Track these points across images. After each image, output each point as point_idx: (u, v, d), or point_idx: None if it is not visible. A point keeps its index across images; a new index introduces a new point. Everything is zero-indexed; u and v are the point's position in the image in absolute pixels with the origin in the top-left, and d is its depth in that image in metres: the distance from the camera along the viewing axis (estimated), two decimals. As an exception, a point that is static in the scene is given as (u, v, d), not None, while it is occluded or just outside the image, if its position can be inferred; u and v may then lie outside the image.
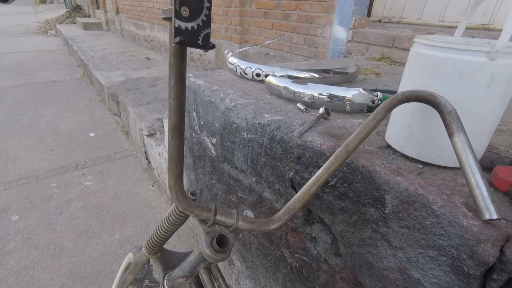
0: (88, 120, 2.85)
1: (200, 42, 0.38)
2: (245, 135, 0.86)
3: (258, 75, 1.10)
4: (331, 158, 0.55)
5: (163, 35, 4.59)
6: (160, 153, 1.87)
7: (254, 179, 0.92)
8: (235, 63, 1.18)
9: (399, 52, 1.58)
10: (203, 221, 0.50)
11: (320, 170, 0.55)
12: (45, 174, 2.02)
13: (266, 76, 1.08)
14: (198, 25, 0.36)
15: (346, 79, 1.14)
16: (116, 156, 2.28)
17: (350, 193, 0.61)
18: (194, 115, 1.15)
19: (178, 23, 0.35)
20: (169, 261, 0.66)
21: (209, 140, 1.09)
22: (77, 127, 2.70)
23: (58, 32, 7.52)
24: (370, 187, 0.56)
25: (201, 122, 1.11)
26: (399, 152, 0.60)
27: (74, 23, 8.57)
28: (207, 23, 0.37)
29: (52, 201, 1.77)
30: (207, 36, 0.38)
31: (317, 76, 1.07)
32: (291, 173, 0.74)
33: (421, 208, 0.48)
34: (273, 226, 0.55)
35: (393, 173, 0.54)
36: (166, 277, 0.62)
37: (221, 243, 0.50)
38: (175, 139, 0.44)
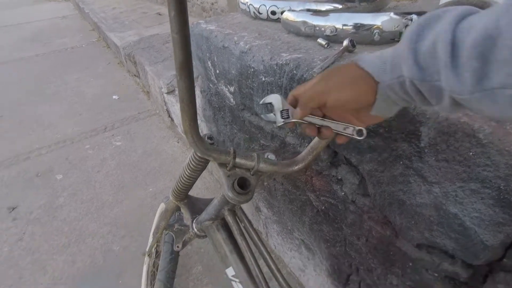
0: (109, 83, 2.88)
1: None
2: (263, 79, 0.81)
3: (273, 13, 1.00)
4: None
5: (173, -14, 4.31)
6: (181, 109, 1.87)
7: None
8: (247, 2, 1.08)
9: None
10: (223, 165, 0.49)
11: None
12: (79, 137, 2.13)
13: (282, 13, 0.98)
14: None
15: (374, 7, 1.01)
16: (140, 116, 2.33)
17: (379, 130, 0.56)
18: (209, 64, 1.11)
19: None
20: (196, 206, 0.68)
21: (227, 89, 1.05)
22: (100, 91, 2.75)
23: (67, -5, 7.37)
24: (403, 120, 0.51)
25: (217, 71, 1.07)
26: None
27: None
28: None
29: (89, 161, 1.88)
30: None
31: (340, 6, 0.95)
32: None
33: (464, 138, 0.43)
34: (296, 167, 0.53)
35: (428, 103, 0.48)
36: (194, 221, 0.64)
37: (243, 185, 0.49)
38: (184, 78, 0.40)
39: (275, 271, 0.51)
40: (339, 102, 0.37)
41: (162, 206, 1.10)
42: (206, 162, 0.53)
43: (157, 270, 0.99)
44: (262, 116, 0.45)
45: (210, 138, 0.50)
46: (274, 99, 0.44)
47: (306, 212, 0.94)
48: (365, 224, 0.70)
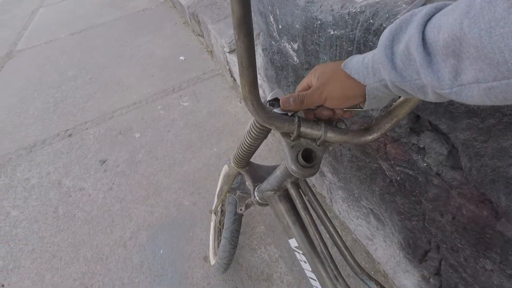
0: (176, 44, 2.97)
1: None
2: (332, 32, 0.70)
3: None
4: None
5: None
6: (243, 68, 1.84)
7: (344, 86, 0.79)
8: None
9: None
10: (286, 134, 0.45)
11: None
12: (152, 98, 2.29)
13: None
14: None
15: None
16: (204, 77, 2.38)
17: (484, 91, 0.44)
18: (271, 19, 1.02)
19: None
20: (258, 174, 0.66)
21: (290, 46, 0.97)
22: (168, 52, 2.86)
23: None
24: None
25: (280, 26, 0.97)
26: None
27: None
28: None
29: (161, 121, 2.03)
30: None
31: None
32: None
33: None
34: (370, 137, 0.46)
35: None
36: (256, 189, 0.63)
37: (308, 157, 0.45)
38: (243, 38, 0.35)
39: (343, 248, 0.47)
40: (335, 104, 0.42)
41: (225, 168, 1.14)
42: (268, 130, 0.49)
43: (222, 228, 1.06)
44: (273, 111, 0.44)
45: (272, 104, 0.45)
46: (278, 94, 0.45)
47: (377, 181, 0.86)
48: (453, 200, 0.60)
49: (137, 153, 1.82)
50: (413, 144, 0.64)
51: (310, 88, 0.43)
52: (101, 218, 1.50)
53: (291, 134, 0.44)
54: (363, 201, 1.00)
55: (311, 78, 0.43)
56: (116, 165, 1.77)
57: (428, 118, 0.56)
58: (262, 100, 0.42)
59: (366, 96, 0.39)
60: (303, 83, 0.45)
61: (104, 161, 1.81)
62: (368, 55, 0.36)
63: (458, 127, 0.50)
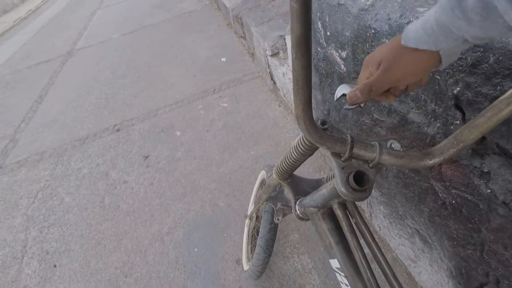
0: (219, 46, 3.03)
1: None
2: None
3: (408, -50, 0.79)
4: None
5: None
6: (284, 73, 1.82)
7: (396, 98, 0.74)
8: None
9: None
10: (336, 154, 0.43)
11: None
12: (193, 98, 2.37)
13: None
14: None
15: None
16: (244, 79, 2.40)
17: None
18: (319, 25, 0.99)
19: None
20: (300, 187, 0.65)
21: (337, 54, 0.93)
22: (211, 53, 2.93)
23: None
24: None
25: (328, 33, 0.94)
26: None
27: None
28: None
29: (200, 121, 2.09)
30: None
31: None
32: (457, 88, 0.53)
33: None
34: (431, 162, 0.42)
35: None
36: (297, 203, 0.62)
37: (359, 179, 0.42)
38: (300, 57, 0.34)
39: (391, 278, 0.44)
40: (411, 80, 0.40)
41: (262, 174, 1.13)
42: (317, 147, 0.47)
43: (257, 233, 1.05)
44: (345, 108, 0.43)
45: (323, 123, 0.43)
46: (345, 89, 0.44)
47: (426, 202, 0.79)
48: (521, 236, 0.53)
49: (177, 151, 1.89)
50: (475, 167, 0.58)
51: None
52: (142, 212, 1.58)
53: (342, 155, 0.42)
54: (408, 220, 0.94)
55: (368, 70, 0.42)
56: (158, 161, 1.85)
57: (497, 141, 0.51)
58: (315, 119, 0.41)
59: (442, 58, 0.37)
60: (361, 78, 0.43)
61: (147, 157, 1.91)
62: (429, 21, 0.34)
63: (535, 156, 0.45)
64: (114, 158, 1.98)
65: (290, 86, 1.79)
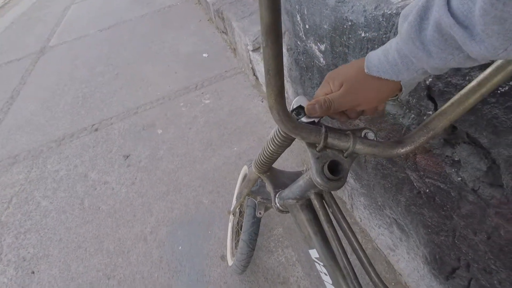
0: (200, 41, 2.99)
1: None
2: (363, 34, 0.67)
3: None
4: None
5: None
6: (266, 67, 1.82)
7: (373, 90, 0.75)
8: None
9: None
10: (311, 145, 0.43)
11: (489, 69, 0.36)
12: (175, 95, 2.33)
13: None
14: None
15: None
16: (227, 74, 2.38)
17: (535, 105, 0.40)
18: (298, 18, 0.99)
19: None
20: (279, 180, 0.65)
21: (316, 47, 0.94)
22: (192, 49, 2.89)
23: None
24: None
25: (307, 26, 0.95)
26: None
27: None
28: None
29: (183, 118, 2.06)
30: None
31: None
32: (429, 79, 0.55)
33: None
34: (402, 150, 0.43)
35: None
36: (276, 196, 0.62)
37: (334, 169, 0.42)
38: (271, 45, 0.33)
39: (367, 265, 0.45)
40: (370, 105, 0.41)
41: (244, 169, 1.13)
42: (293, 138, 0.47)
43: (240, 229, 1.05)
44: (299, 121, 0.43)
45: (297, 113, 0.43)
46: (301, 101, 0.43)
47: (403, 192, 0.81)
48: (490, 219, 0.56)
49: (159, 149, 1.86)
50: (447, 156, 0.60)
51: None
52: (123, 212, 1.54)
53: (317, 145, 0.42)
54: (386, 210, 0.96)
55: (329, 87, 0.41)
56: (139, 160, 1.81)
57: (466, 130, 0.52)
58: (288, 108, 0.41)
59: (403, 88, 0.38)
60: (320, 93, 0.42)
61: (127, 156, 1.86)
62: (390, 51, 0.35)
63: (502, 143, 0.46)
64: (93, 159, 1.92)
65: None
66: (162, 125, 2.05)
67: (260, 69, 1.95)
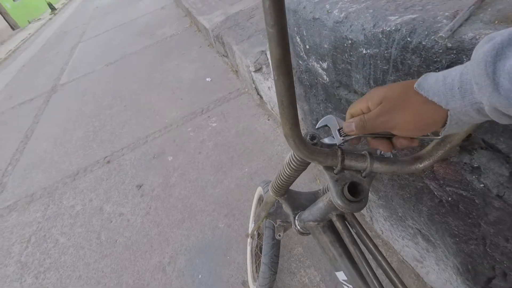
0: (202, 66, 3.07)
1: None
2: (364, 51, 0.68)
3: (372, -37, 0.82)
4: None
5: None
6: (269, 87, 1.85)
7: (380, 103, 0.75)
8: (338, -44, 0.91)
9: None
10: (329, 167, 0.43)
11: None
12: (182, 121, 2.37)
13: (384, -40, 0.79)
14: None
15: None
16: (231, 96, 2.42)
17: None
18: (298, 40, 1.01)
19: None
20: (297, 201, 0.64)
21: (319, 66, 0.95)
22: (195, 75, 2.96)
23: (163, -13, 7.98)
24: None
25: (307, 46, 0.97)
26: None
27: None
28: None
29: (191, 143, 2.08)
30: None
31: None
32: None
33: None
34: (421, 165, 0.43)
35: None
36: (296, 218, 0.61)
37: (354, 190, 0.42)
38: (282, 78, 0.35)
39: (397, 283, 0.44)
40: (407, 133, 0.36)
41: (259, 190, 1.13)
42: (309, 162, 0.47)
43: (260, 251, 1.03)
44: (322, 141, 0.44)
45: (312, 137, 0.44)
46: (329, 120, 0.43)
47: (424, 201, 0.80)
48: (519, 227, 0.54)
49: (170, 177, 1.87)
50: (465, 163, 0.59)
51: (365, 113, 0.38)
52: (140, 243, 1.54)
53: (334, 168, 0.43)
54: (408, 220, 0.94)
55: (367, 104, 0.38)
56: (152, 189, 1.82)
57: (482, 136, 0.52)
58: (303, 134, 0.41)
59: (448, 122, 0.32)
60: (356, 107, 0.39)
61: (140, 186, 1.88)
62: (452, 73, 0.30)
63: (521, 147, 0.46)
64: (107, 191, 1.94)
65: (276, 99, 1.81)
66: (172, 152, 2.07)
67: (263, 88, 1.98)
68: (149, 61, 3.73)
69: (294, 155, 0.47)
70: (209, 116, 2.29)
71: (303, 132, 0.40)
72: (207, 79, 2.81)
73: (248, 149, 1.85)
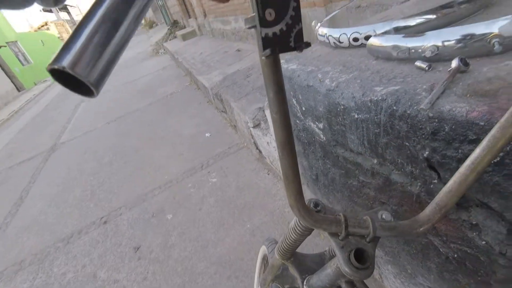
0: (202, 122, 3.20)
1: (292, 44, 0.31)
2: (356, 116, 0.75)
3: (355, 39, 0.94)
4: (492, 132, 0.39)
5: (246, 24, 4.66)
6: (268, 142, 1.92)
7: (376, 161, 0.80)
8: (326, 33, 1.04)
9: None
10: (334, 234, 0.45)
11: (477, 151, 0.40)
12: (182, 176, 2.39)
13: (366, 38, 0.91)
14: (287, 24, 0.30)
15: (480, 5, 0.85)
16: (230, 151, 2.48)
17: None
18: (294, 102, 1.10)
19: (265, 31, 0.29)
20: (304, 265, 0.64)
21: (315, 126, 1.02)
22: (195, 130, 3.07)
23: (166, 49, 8.68)
24: None
25: (303, 108, 1.05)
26: None
27: (175, 37, 9.65)
28: (296, 18, 0.30)
29: (192, 199, 2.07)
30: (300, 33, 0.31)
31: (434, 16, 0.83)
32: (426, 152, 0.59)
33: None
34: (421, 229, 0.45)
35: None
36: (304, 283, 0.61)
37: (360, 256, 0.44)
38: (286, 156, 0.39)
39: None
40: None
41: (263, 249, 1.11)
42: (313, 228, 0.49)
43: (266, 319, 0.97)
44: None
45: (315, 205, 0.46)
46: None
47: (431, 257, 0.79)
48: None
49: (170, 236, 1.82)
50: (464, 220, 0.61)
51: None
52: (137, 312, 1.44)
53: (339, 234, 0.44)
54: (419, 278, 0.91)
55: None
56: (150, 251, 1.76)
57: (475, 196, 0.55)
58: (306, 202, 0.44)
59: None
60: None
61: (137, 248, 1.82)
62: None
63: (511, 206, 0.48)
64: (102, 255, 1.87)
65: (275, 154, 1.87)
66: (172, 210, 2.05)
67: (262, 143, 2.05)
68: (151, 118, 3.88)
69: (298, 221, 0.49)
70: (209, 172, 2.32)
71: (306, 200, 0.43)
72: (207, 134, 2.90)
73: (249, 204, 1.84)
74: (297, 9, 0.31)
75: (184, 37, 8.11)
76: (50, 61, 0.18)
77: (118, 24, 0.19)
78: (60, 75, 0.19)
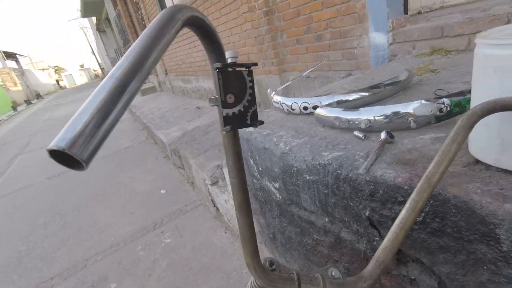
0: (158, 178, 3.10)
1: (248, 121, 0.38)
2: (308, 177, 0.82)
3: (305, 108, 1.08)
4: (412, 196, 0.48)
5: (208, 84, 4.93)
6: (225, 199, 1.92)
7: (327, 219, 0.86)
8: (280, 101, 1.18)
9: (452, 41, 1.42)
10: (289, 292, 0.47)
11: (403, 211, 0.48)
12: (131, 238, 2.21)
13: (314, 107, 1.05)
14: (244, 106, 0.37)
15: (400, 87, 1.06)
16: (187, 208, 2.41)
17: (446, 229, 0.52)
18: (252, 162, 1.16)
19: (226, 111, 0.35)
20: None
21: (271, 185, 1.08)
22: (150, 186, 2.94)
23: (121, 104, 8.58)
24: (472, 220, 0.47)
25: (260, 169, 1.11)
26: (495, 167, 0.51)
27: (133, 93, 9.69)
28: (252, 101, 0.37)
29: (141, 264, 1.90)
30: (255, 113, 0.38)
31: (367, 94, 1.01)
32: (367, 212, 0.67)
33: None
34: (365, 285, 0.50)
35: (497, 198, 0.45)
36: None
37: (314, 313, 0.46)
38: (243, 216, 0.43)
39: None
40: None
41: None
42: None
43: None
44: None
45: (271, 263, 0.49)
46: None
47: (381, 316, 0.82)
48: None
49: (112, 308, 1.61)
50: (404, 275, 0.67)
51: None
52: None
53: (293, 292, 0.47)
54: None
55: None
56: (87, 327, 1.52)
57: (409, 252, 0.62)
58: (262, 261, 0.47)
59: None
60: None
61: (72, 324, 1.56)
62: None
63: (437, 261, 0.56)
64: (24, 336, 1.56)
65: (233, 212, 1.86)
66: (117, 277, 1.84)
67: (220, 201, 2.04)
68: (100, 172, 3.66)
69: (255, 281, 0.51)
70: (162, 231, 2.19)
71: (262, 259, 0.46)
72: (162, 191, 2.80)
73: (205, 266, 1.74)
74: (253, 94, 0.38)
75: (144, 92, 8.23)
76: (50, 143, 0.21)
77: (108, 114, 0.23)
78: (55, 154, 0.22)
